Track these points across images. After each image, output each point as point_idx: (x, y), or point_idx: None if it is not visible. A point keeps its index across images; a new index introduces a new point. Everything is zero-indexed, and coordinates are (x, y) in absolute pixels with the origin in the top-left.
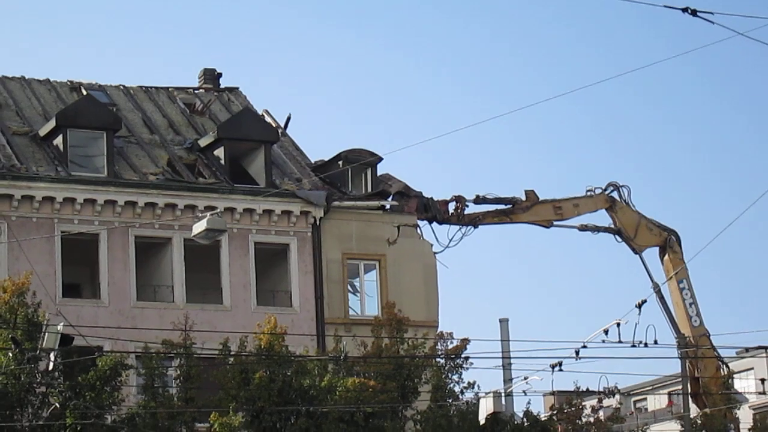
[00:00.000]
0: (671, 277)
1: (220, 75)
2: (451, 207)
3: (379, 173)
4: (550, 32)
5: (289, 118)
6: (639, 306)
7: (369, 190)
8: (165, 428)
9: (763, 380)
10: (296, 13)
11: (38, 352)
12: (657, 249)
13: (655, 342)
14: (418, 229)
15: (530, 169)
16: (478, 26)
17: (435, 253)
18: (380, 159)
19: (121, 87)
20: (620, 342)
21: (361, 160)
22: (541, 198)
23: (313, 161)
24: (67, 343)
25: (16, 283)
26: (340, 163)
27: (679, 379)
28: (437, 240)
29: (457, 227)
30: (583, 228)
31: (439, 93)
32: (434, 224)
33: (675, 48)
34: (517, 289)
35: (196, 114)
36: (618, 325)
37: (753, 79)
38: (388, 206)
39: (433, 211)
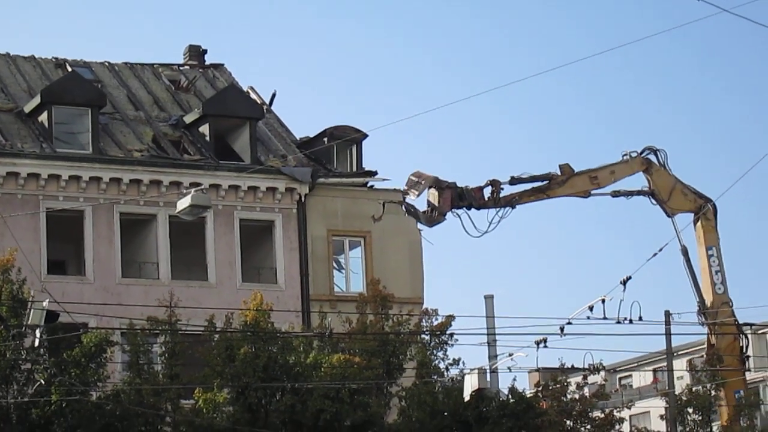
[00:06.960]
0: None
1: (205, 52)
2: (487, 192)
3: (364, 150)
4: (536, 8)
5: (274, 95)
6: (624, 282)
7: (354, 166)
8: (150, 405)
9: (747, 357)
10: None
11: (23, 328)
12: (692, 216)
13: (640, 318)
14: (402, 206)
15: (516, 144)
16: (463, 2)
17: (420, 230)
18: (365, 135)
19: (106, 64)
20: (605, 318)
21: (346, 137)
22: (576, 170)
23: (298, 138)
24: (52, 320)
25: (1, 259)
26: (325, 139)
27: (664, 356)
28: (474, 226)
29: (495, 210)
30: (616, 194)
31: (424, 70)
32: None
33: (664, 24)
34: (503, 266)
35: (181, 91)
36: (603, 301)
37: (739, 54)
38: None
39: (468, 199)
